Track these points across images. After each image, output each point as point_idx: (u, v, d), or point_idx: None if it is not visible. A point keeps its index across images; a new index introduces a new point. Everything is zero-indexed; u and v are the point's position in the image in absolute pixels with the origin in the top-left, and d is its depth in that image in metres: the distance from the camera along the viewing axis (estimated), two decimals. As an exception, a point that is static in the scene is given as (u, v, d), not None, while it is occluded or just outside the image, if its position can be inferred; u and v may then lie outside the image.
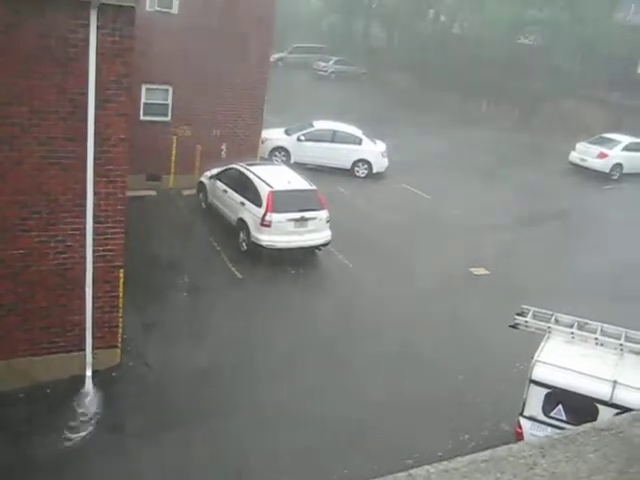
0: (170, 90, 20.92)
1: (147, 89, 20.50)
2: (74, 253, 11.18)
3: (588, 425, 1.81)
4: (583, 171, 29.97)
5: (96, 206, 11.00)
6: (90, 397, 11.37)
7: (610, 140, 30.83)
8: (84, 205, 10.90)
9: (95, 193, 10.91)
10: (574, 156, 30.75)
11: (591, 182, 28.81)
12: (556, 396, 9.96)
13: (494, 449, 1.66)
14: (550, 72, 38.23)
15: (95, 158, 10.70)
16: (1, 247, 10.69)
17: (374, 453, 10.76)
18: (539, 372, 10.03)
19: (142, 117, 20.50)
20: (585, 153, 30.37)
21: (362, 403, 12.13)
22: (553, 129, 34.97)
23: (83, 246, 11.11)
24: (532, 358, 10.18)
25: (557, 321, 10.93)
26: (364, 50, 51.30)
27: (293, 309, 15.34)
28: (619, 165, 30.13)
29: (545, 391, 10.01)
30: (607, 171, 29.91)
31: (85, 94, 10.34)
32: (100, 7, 9.98)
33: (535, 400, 10.09)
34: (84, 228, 11.02)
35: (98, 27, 10.17)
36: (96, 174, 10.80)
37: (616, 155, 30.05)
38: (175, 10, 19.86)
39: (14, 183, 10.45)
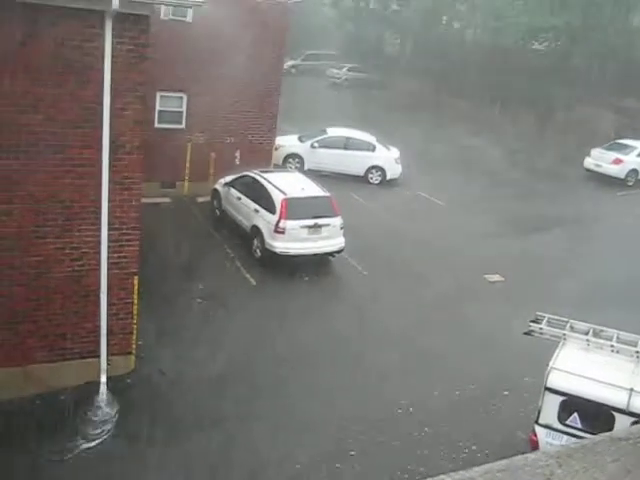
0: (184, 98, 21.03)
1: (162, 97, 20.61)
2: (89, 260, 11.23)
3: (605, 435, 1.78)
4: (598, 177, 29.80)
5: (111, 213, 11.05)
6: (105, 403, 11.39)
7: (625, 146, 30.64)
8: (99, 212, 10.95)
9: (110, 200, 10.95)
10: (589, 162, 30.58)
11: (606, 188, 28.63)
12: (572, 404, 9.87)
13: (510, 459, 1.64)
14: (564, 78, 38.07)
15: (110, 165, 10.76)
16: (16, 254, 10.76)
17: (386, 460, 10.71)
18: (554, 379, 9.96)
19: (157, 125, 20.60)
20: (600, 159, 30.20)
21: (374, 410, 12.09)
22: (568, 135, 34.79)
23: (98, 253, 11.16)
24: (547, 365, 10.11)
25: (572, 328, 10.84)
26: (377, 57, 51.31)
27: (307, 316, 15.32)
28: (634, 171, 29.92)
29: (560, 399, 9.94)
30: (622, 177, 29.72)
31: (100, 102, 10.41)
32: (116, 16, 10.05)
33: (550, 408, 10.01)
34: (99, 235, 11.07)
35: (113, 36, 10.24)
36: (111, 181, 10.86)
37: (631, 161, 29.86)
38: (190, 19, 19.96)
39: (29, 191, 10.52)
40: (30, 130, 10.25)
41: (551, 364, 10.11)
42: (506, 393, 12.84)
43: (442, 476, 1.58)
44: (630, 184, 29.62)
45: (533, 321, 10.96)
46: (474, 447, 11.26)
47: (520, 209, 23.86)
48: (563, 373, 9.97)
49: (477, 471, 1.57)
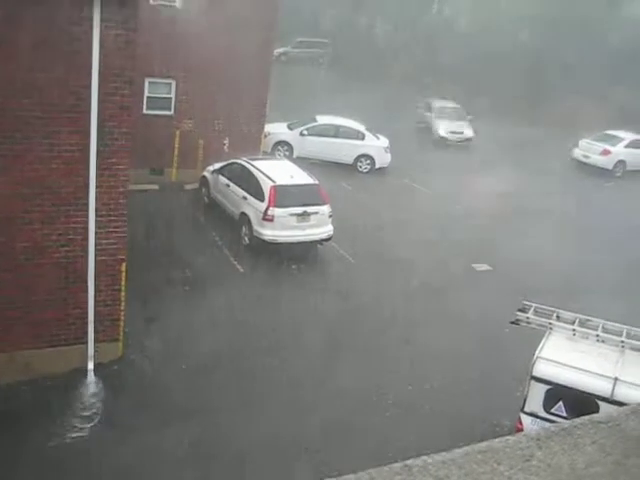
0: (173, 84, 20.92)
1: (150, 83, 20.49)
2: (76, 246, 11.19)
3: (585, 418, 1.81)
4: (586, 168, 29.94)
5: (98, 199, 11.01)
6: (92, 390, 11.40)
7: (613, 137, 30.80)
8: (86, 198, 10.91)
9: (97, 186, 10.91)
10: (577, 153, 30.74)
11: (594, 179, 28.77)
12: (557, 392, 9.96)
13: (491, 441, 1.67)
14: (553, 68, 38.13)
15: (98, 151, 10.71)
16: (3, 240, 10.71)
17: (360, 451, 10.75)
18: (540, 368, 10.04)
19: (145, 111, 20.49)
20: (588, 150, 30.35)
21: (352, 399, 12.16)
22: (556, 125, 34.87)
23: (85, 239, 11.13)
24: (533, 355, 10.19)
25: (558, 318, 10.92)
26: (369, 46, 51.16)
27: (294, 303, 15.35)
28: (622, 162, 30.10)
29: (546, 387, 10.02)
30: (610, 168, 29.88)
31: (88, 87, 10.34)
32: (104, 0, 9.97)
33: (536, 396, 10.09)
34: (86, 221, 11.04)
35: (102, 20, 10.16)
36: (98, 167, 10.81)
37: (619, 152, 30.03)
38: (178, 4, 19.83)
39: (17, 176, 10.46)
40: (17, 115, 10.17)
41: (537, 353, 10.19)
42: (492, 382, 12.92)
43: (424, 457, 1.60)
44: (618, 175, 29.79)
45: (520, 310, 11.04)
46: (457, 436, 11.33)
47: (506, 198, 23.88)
48: (549, 362, 10.05)
49: (458, 452, 1.59)
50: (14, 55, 9.94)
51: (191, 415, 11.22)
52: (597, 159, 29.93)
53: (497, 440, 1.66)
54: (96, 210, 11.03)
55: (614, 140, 30.51)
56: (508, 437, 1.69)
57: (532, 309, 11.01)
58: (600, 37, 38.40)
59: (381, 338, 14.23)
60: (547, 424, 9.75)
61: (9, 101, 10.09)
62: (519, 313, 10.97)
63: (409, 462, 1.59)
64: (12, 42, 9.87)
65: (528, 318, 10.88)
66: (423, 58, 44.88)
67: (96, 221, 11.08)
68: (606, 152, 29.86)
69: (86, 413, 10.99)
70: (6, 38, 9.82)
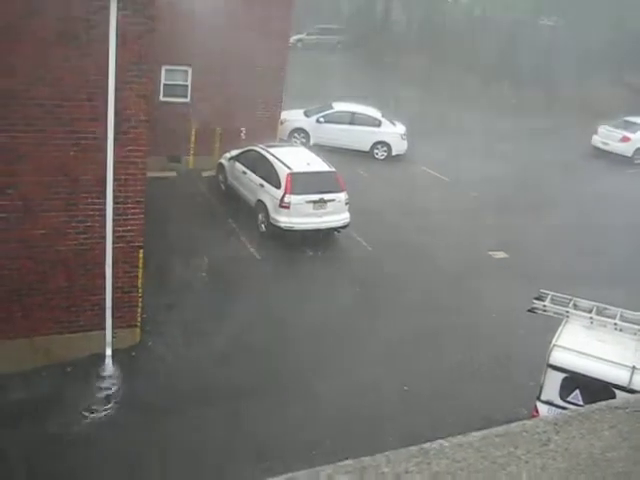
0: (189, 71, 20.95)
1: (167, 70, 20.54)
2: (94, 233, 11.29)
3: (603, 403, 1.82)
4: (606, 155, 29.63)
5: (116, 187, 11.09)
6: (110, 375, 11.52)
7: (634, 124, 30.42)
8: (104, 186, 10.99)
9: (115, 174, 10.98)
10: (596, 140, 30.41)
11: (614, 166, 28.46)
12: (574, 381, 9.93)
13: (508, 425, 1.68)
14: (574, 54, 37.73)
15: (115, 139, 10.77)
16: (23, 227, 10.81)
17: (373, 439, 10.78)
18: (557, 357, 10.00)
19: (162, 98, 20.55)
20: (608, 137, 30.02)
21: (367, 388, 12.19)
22: (575, 112, 34.56)
23: (103, 226, 11.21)
24: (550, 342, 10.16)
25: (576, 306, 10.87)
26: (383, 32, 50.88)
27: (311, 291, 15.39)
28: (642, 149, 29.76)
29: (562, 376, 9.99)
30: (630, 155, 29.56)
31: (106, 75, 10.39)
32: (121, -12, 10.00)
33: (552, 385, 10.07)
34: (104, 209, 11.12)
35: (118, 8, 10.19)
36: (116, 155, 10.88)
37: (639, 139, 29.68)
38: (195, -9, 19.80)
39: (36, 164, 10.55)
40: (37, 103, 10.25)
41: (554, 341, 10.16)
42: (510, 370, 12.91)
43: (440, 441, 1.62)
44: (638, 162, 29.46)
45: (537, 298, 10.99)
46: (472, 425, 11.34)
47: (525, 186, 23.76)
48: (566, 350, 10.01)
49: (475, 436, 1.60)
50: (34, 45, 10.00)
51: (209, 401, 11.30)
52: (616, 146, 29.61)
53: (514, 424, 1.67)
54: (114, 197, 11.11)
55: (634, 126, 30.15)
56: (525, 421, 1.70)
57: (549, 297, 10.97)
58: (618, 20, 37.92)
59: (398, 325, 14.23)
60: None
61: (28, 90, 10.15)
62: (536, 301, 10.93)
63: (425, 445, 1.61)
64: (30, 32, 9.92)
65: (545, 306, 10.84)
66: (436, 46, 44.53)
67: (114, 208, 11.17)
68: (626, 139, 29.53)
69: (104, 398, 11.12)
70: (26, 28, 9.88)
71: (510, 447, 1.60)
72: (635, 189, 25.34)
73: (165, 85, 20.62)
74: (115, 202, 11.16)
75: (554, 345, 10.08)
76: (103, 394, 11.20)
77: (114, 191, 11.08)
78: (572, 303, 10.88)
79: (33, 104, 10.22)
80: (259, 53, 21.42)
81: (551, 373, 10.07)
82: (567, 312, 10.73)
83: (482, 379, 12.76)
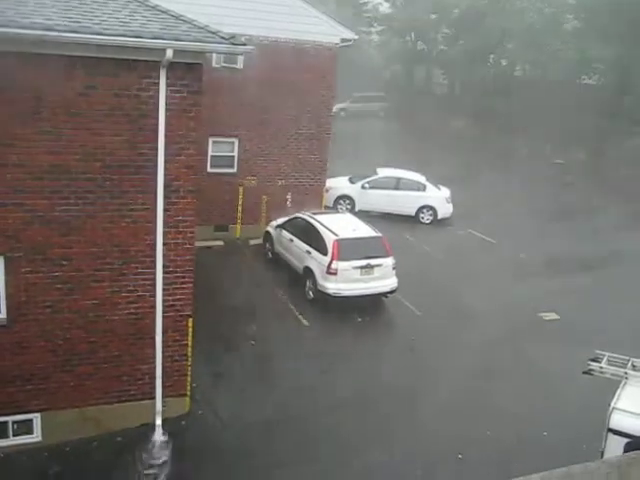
0: (236, 142, 21.46)
1: (214, 142, 21.07)
2: (144, 302, 11.42)
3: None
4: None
5: (166, 256, 11.25)
6: (160, 446, 11.45)
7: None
8: (154, 256, 11.17)
9: (165, 244, 11.17)
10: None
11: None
12: (637, 445, 9.50)
13: (570, 467, 1.61)
14: (616, 112, 37.56)
15: (164, 210, 11.00)
16: (75, 297, 11.01)
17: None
18: (617, 420, 9.61)
19: (209, 169, 21.03)
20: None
21: (427, 453, 11.87)
22: (623, 169, 34.16)
23: (153, 296, 11.35)
24: (609, 406, 9.78)
25: (634, 367, 10.50)
26: (426, 97, 51.55)
27: (361, 357, 15.21)
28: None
29: (625, 440, 9.56)
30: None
31: (155, 148, 10.70)
32: (169, 66, 10.36)
33: (614, 450, 9.61)
34: (154, 278, 11.27)
35: (167, 84, 10.55)
36: (165, 225, 11.08)
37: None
38: (240, 65, 20.45)
39: (88, 236, 10.81)
40: (89, 177, 10.56)
41: (613, 404, 9.78)
42: (567, 434, 12.46)
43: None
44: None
45: (593, 360, 10.67)
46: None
47: (572, 248, 23.38)
48: (626, 414, 9.62)
49: (535, 477, 1.54)
50: (87, 121, 10.38)
51: (261, 471, 11.13)
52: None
53: (576, 466, 1.60)
54: (164, 267, 11.27)
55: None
56: (588, 463, 1.63)
57: (605, 358, 10.63)
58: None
59: (450, 391, 13.92)
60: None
61: (81, 164, 10.49)
62: (592, 363, 10.60)
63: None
64: (86, 109, 10.31)
65: (601, 367, 10.50)
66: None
67: (163, 278, 11.31)
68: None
69: (154, 469, 11.03)
70: (81, 107, 10.27)
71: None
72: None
73: (212, 156, 21.12)
74: (165, 271, 11.32)
75: (613, 408, 9.70)
76: (153, 465, 11.12)
77: (163, 261, 11.24)
78: (630, 364, 10.52)
79: (85, 178, 10.54)
80: (304, 122, 21.92)
81: (612, 438, 9.64)
82: (625, 373, 10.36)
83: (543, 445, 12.32)
